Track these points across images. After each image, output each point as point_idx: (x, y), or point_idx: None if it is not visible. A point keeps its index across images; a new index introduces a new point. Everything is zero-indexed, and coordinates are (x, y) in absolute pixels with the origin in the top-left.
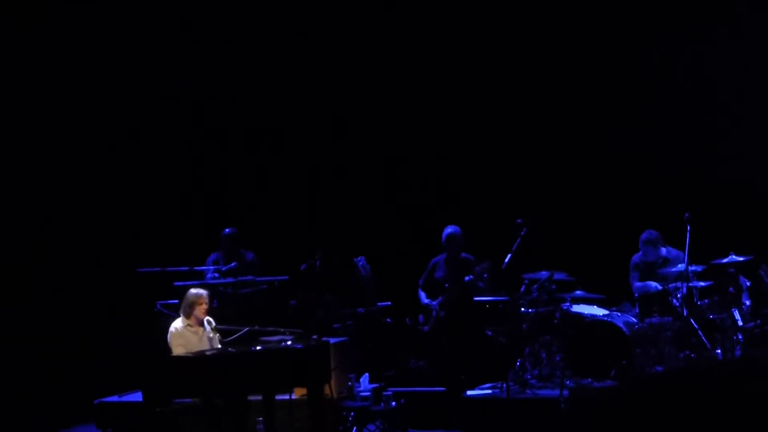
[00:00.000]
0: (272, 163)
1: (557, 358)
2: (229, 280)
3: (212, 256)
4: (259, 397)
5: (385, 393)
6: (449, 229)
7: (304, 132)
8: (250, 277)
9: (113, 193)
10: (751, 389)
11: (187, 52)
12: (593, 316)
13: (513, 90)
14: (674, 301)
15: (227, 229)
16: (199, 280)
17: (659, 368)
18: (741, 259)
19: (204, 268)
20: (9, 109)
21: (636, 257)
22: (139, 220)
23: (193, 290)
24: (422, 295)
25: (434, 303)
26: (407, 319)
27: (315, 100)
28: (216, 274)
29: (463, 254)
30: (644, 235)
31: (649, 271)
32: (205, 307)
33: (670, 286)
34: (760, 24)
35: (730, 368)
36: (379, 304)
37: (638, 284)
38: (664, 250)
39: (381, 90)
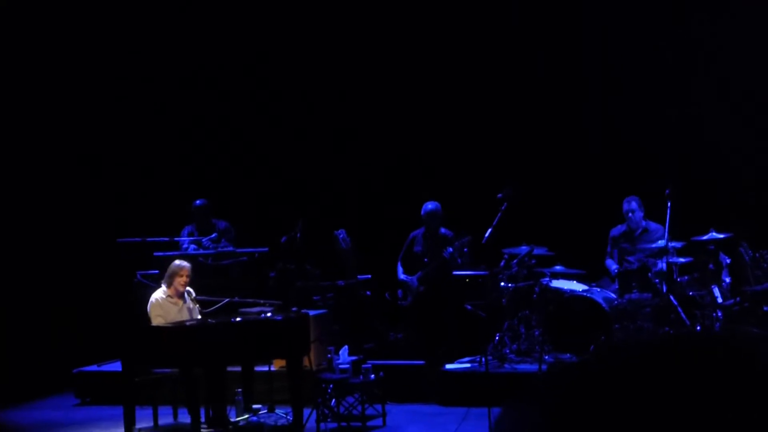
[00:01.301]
0: (252, 133)
1: (536, 333)
2: (210, 251)
3: (187, 228)
4: (239, 368)
5: (364, 366)
6: (429, 205)
7: (285, 100)
8: (230, 248)
9: (92, 163)
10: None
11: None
12: (572, 291)
13: (493, 61)
14: (654, 277)
15: (198, 201)
16: (178, 250)
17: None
18: (721, 236)
19: (181, 239)
20: None
21: (614, 230)
22: (118, 191)
23: (176, 261)
24: (400, 270)
25: (412, 278)
26: (386, 294)
27: (296, 67)
28: (195, 246)
29: (443, 229)
30: (628, 202)
31: (628, 242)
32: (185, 279)
33: (651, 261)
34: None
35: (709, 342)
36: (359, 277)
37: (609, 261)
38: (645, 222)
39: (358, 63)
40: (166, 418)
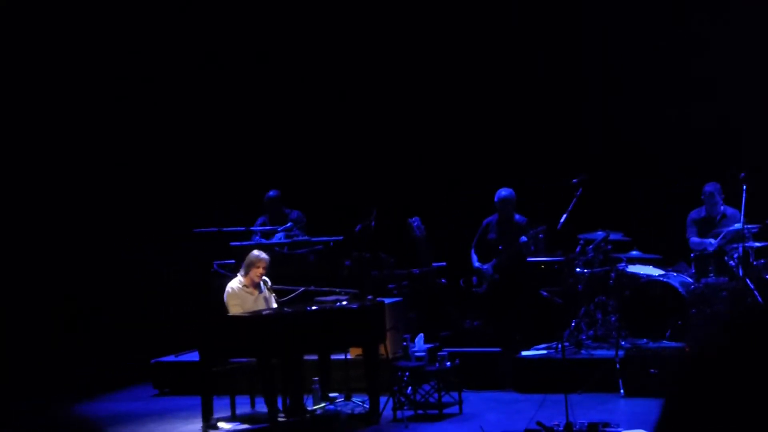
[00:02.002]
0: (326, 121)
1: (612, 319)
2: (286, 239)
3: (260, 219)
4: (315, 357)
5: (439, 353)
6: (502, 191)
7: (357, 87)
8: (305, 238)
9: (166, 156)
10: None
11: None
12: (649, 276)
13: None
14: (730, 261)
15: (270, 192)
16: (248, 240)
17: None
18: None
19: (256, 228)
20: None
21: (693, 213)
22: (194, 181)
23: (255, 252)
24: (474, 257)
25: (486, 266)
26: (461, 281)
27: (365, 55)
28: (280, 233)
29: (517, 216)
30: (708, 187)
31: (708, 227)
32: (262, 270)
33: (727, 247)
34: None
35: None
36: (433, 264)
37: (695, 239)
38: (723, 207)
39: (425, 52)
40: (243, 408)
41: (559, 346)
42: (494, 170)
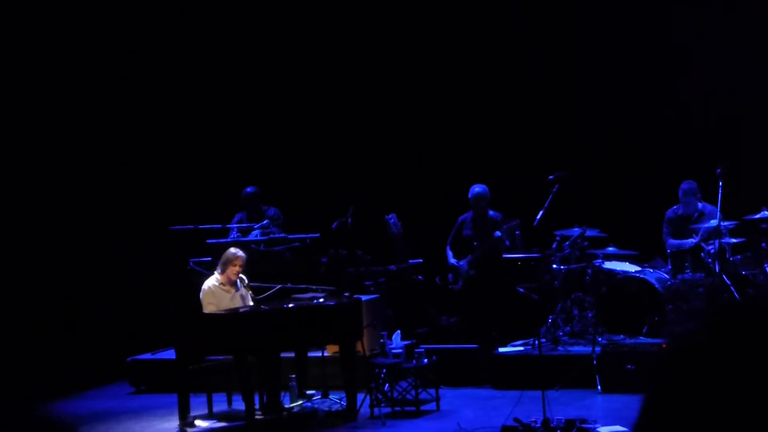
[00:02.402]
0: (301, 119)
1: (589, 315)
2: (262, 237)
3: (237, 216)
4: (292, 354)
5: (416, 350)
6: (476, 188)
7: (333, 88)
8: (282, 235)
9: (141, 153)
10: None
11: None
12: (625, 272)
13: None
14: (707, 257)
15: (248, 188)
16: (225, 237)
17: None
18: None
19: (233, 225)
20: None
21: (670, 211)
22: (170, 179)
23: (231, 249)
24: (449, 254)
25: (462, 263)
26: (437, 278)
27: (342, 55)
28: (256, 230)
29: (491, 212)
30: (684, 185)
31: (684, 225)
32: (239, 269)
33: (703, 243)
34: None
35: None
36: (410, 261)
37: (673, 241)
38: (700, 204)
39: (403, 52)
40: (220, 405)
41: (536, 342)
42: (479, 169)
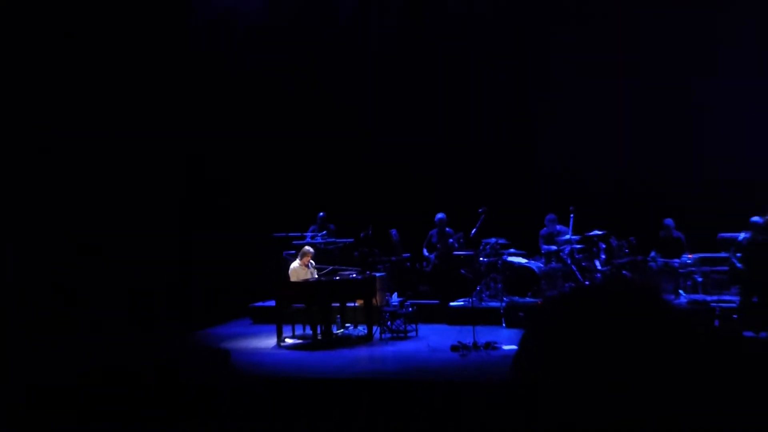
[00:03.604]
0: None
1: (499, 286)
2: (323, 240)
3: (311, 228)
4: (338, 304)
5: (405, 303)
6: (439, 215)
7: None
8: (334, 239)
9: (260, 187)
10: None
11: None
12: (519, 263)
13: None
14: (563, 255)
15: (321, 213)
16: (302, 240)
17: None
18: (600, 232)
19: (307, 233)
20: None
21: (542, 231)
22: (272, 205)
23: (307, 247)
24: (425, 251)
25: (431, 256)
26: (417, 265)
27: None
28: (318, 237)
29: (448, 229)
30: (549, 216)
31: (550, 238)
32: (309, 257)
33: (562, 247)
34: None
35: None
36: (403, 255)
37: (544, 247)
38: (558, 227)
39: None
40: (298, 332)
41: (471, 300)
42: (441, 203)
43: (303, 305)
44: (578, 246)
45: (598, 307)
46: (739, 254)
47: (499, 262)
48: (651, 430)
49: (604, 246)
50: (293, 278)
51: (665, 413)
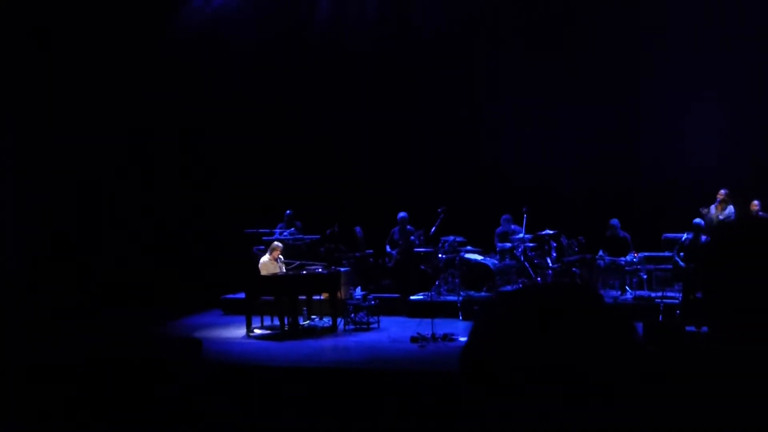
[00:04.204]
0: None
1: (456, 281)
2: (291, 237)
3: (279, 225)
4: (304, 297)
5: (368, 297)
6: (401, 214)
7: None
8: (302, 236)
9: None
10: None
11: None
12: (475, 259)
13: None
14: (516, 252)
15: (288, 211)
16: (272, 236)
17: (511, 288)
18: (552, 232)
19: (276, 230)
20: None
21: (498, 229)
22: (248, 204)
23: (276, 242)
24: (387, 248)
25: (393, 252)
26: (380, 260)
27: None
28: (286, 233)
29: (409, 226)
30: (504, 216)
31: (505, 236)
32: (278, 252)
33: (516, 245)
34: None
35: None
36: (367, 251)
37: (499, 245)
38: (513, 226)
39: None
40: (267, 322)
41: (430, 294)
42: (403, 201)
43: (272, 297)
44: (531, 244)
45: (539, 302)
46: (682, 254)
47: (457, 258)
48: (589, 415)
49: (555, 244)
50: (263, 272)
51: (601, 399)
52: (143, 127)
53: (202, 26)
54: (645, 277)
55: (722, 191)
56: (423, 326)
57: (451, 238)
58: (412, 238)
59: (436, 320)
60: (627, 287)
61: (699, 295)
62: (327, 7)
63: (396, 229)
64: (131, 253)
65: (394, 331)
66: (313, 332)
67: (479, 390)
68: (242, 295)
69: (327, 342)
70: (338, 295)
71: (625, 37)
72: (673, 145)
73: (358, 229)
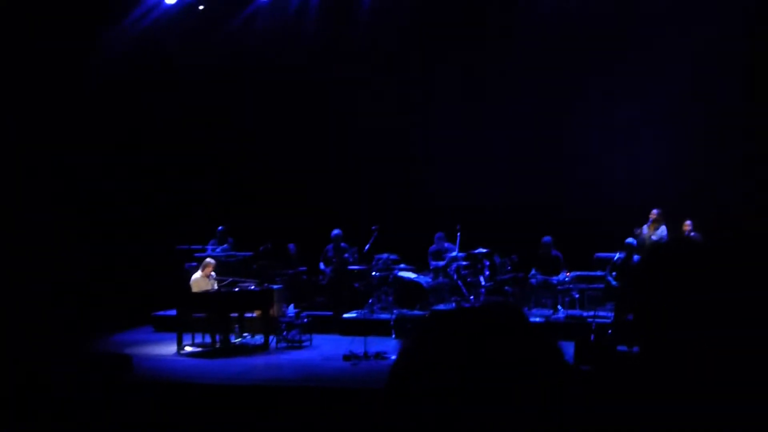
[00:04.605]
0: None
1: (390, 299)
2: (223, 253)
3: (211, 242)
4: (236, 314)
5: (301, 314)
6: (335, 231)
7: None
8: (234, 252)
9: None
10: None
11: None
12: (409, 277)
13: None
14: (450, 271)
15: (220, 227)
16: (204, 253)
17: (444, 306)
18: (485, 250)
19: (208, 246)
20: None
21: (431, 248)
22: (177, 222)
23: (208, 258)
24: (321, 265)
25: (327, 269)
26: (313, 277)
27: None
28: (218, 249)
29: (343, 243)
30: (438, 234)
31: (439, 254)
32: (211, 269)
33: (449, 263)
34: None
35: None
36: (300, 268)
37: (433, 263)
38: (446, 244)
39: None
40: (198, 339)
41: (363, 312)
42: (339, 219)
43: (203, 314)
44: (464, 263)
45: (468, 322)
46: (614, 273)
47: (391, 276)
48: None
49: (488, 263)
50: (195, 289)
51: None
52: (75, 141)
53: (138, 40)
54: (577, 296)
55: (655, 211)
56: (356, 344)
57: (385, 255)
58: (346, 255)
59: (369, 338)
60: (559, 306)
61: (630, 317)
62: (264, 19)
63: (330, 246)
64: (61, 268)
65: (327, 349)
66: (245, 350)
67: (404, 412)
68: (173, 312)
69: (259, 360)
70: (271, 312)
71: (553, 54)
72: (603, 164)
73: (291, 246)
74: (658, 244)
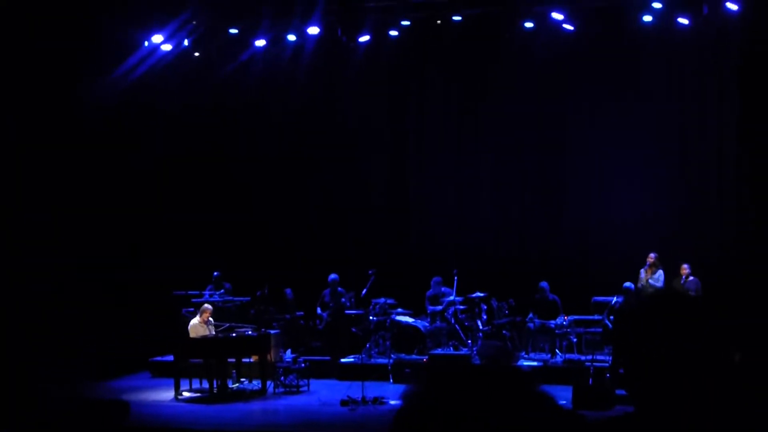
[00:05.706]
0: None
1: (387, 344)
2: (220, 299)
3: (208, 287)
4: (233, 360)
5: (298, 359)
6: (331, 275)
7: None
8: (231, 298)
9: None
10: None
11: None
12: (406, 321)
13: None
14: (447, 315)
15: (216, 272)
16: (201, 298)
17: (442, 350)
18: (482, 294)
19: (205, 292)
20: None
21: (429, 292)
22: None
23: (206, 304)
24: (318, 310)
25: (324, 314)
26: (311, 323)
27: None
28: (215, 295)
29: (339, 288)
30: (435, 279)
31: (436, 299)
32: (208, 315)
33: (446, 307)
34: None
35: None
36: (297, 313)
37: (430, 308)
38: (444, 288)
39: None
40: (195, 385)
41: (360, 357)
42: (334, 265)
43: (200, 360)
44: (461, 307)
45: (470, 373)
46: (612, 317)
47: (388, 320)
48: None
49: (485, 307)
50: (192, 334)
51: None
52: (70, 193)
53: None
54: (575, 340)
55: (652, 255)
56: (353, 389)
57: (382, 300)
58: (343, 300)
59: (367, 383)
60: (557, 350)
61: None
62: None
63: (327, 291)
64: (58, 314)
65: (324, 394)
66: (243, 395)
67: None
68: (171, 358)
69: (256, 405)
70: (268, 357)
71: (550, 95)
72: (601, 207)
73: (288, 290)
74: (644, 301)
